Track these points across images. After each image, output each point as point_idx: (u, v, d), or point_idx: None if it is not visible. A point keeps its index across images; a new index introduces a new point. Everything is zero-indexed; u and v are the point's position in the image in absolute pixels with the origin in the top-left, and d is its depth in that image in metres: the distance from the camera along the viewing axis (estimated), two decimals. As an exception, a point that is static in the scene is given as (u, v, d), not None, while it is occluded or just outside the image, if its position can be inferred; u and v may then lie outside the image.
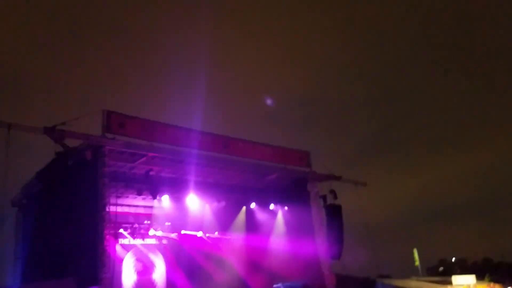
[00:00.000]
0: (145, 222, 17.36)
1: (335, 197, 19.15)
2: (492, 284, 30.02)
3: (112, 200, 14.05)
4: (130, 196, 16.00)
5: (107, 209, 13.41)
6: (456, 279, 28.55)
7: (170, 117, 15.46)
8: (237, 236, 19.63)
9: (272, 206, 19.96)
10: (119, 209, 15.11)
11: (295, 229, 18.92)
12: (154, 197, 15.81)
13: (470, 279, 30.04)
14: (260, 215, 20.00)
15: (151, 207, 16.90)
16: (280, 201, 19.82)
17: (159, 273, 16.95)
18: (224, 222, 19.36)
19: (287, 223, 19.57)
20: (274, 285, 19.55)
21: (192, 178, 16.90)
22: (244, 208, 20.04)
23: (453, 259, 51.06)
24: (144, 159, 15.22)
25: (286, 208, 19.84)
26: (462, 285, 27.61)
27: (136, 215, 17.18)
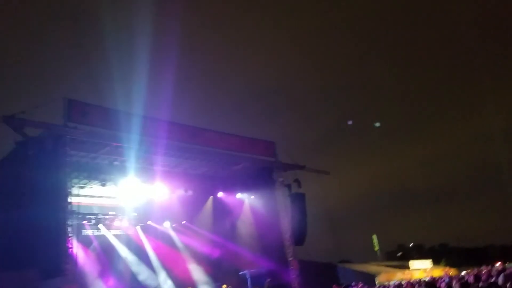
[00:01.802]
0: (110, 213, 17.12)
1: (299, 185, 19.63)
2: (447, 268, 31.81)
3: (75, 191, 13.80)
4: (94, 186, 15.68)
5: (69, 200, 13.18)
6: (413, 264, 30.15)
7: (137, 106, 15.21)
8: (204, 225, 19.73)
9: (239, 195, 20.22)
10: (83, 200, 14.83)
11: (261, 217, 19.29)
12: (119, 188, 15.60)
13: (427, 263, 31.80)
14: (227, 204, 20.21)
15: (115, 198, 16.67)
16: (246, 190, 20.11)
17: (124, 263, 16.85)
18: (192, 211, 19.41)
19: (253, 211, 19.90)
20: (240, 273, 19.92)
21: (158, 168, 16.82)
22: (211, 197, 20.16)
23: (411, 244, 53.46)
24: (107, 148, 14.96)
25: (252, 196, 20.19)
26: (419, 269, 29.14)
27: (101, 205, 16.88)
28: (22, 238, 12.23)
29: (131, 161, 15.09)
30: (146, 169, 16.29)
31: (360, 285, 15.59)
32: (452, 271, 27.90)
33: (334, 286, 17.62)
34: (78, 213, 14.64)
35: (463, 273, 19.74)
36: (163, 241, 18.70)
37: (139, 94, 15.58)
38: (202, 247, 19.50)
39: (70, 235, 12.88)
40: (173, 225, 19.58)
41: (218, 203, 20.15)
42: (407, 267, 29.48)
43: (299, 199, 19.42)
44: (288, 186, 19.53)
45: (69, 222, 12.98)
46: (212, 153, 17.31)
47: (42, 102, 13.87)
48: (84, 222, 16.22)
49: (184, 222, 19.79)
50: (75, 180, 13.82)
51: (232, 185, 19.81)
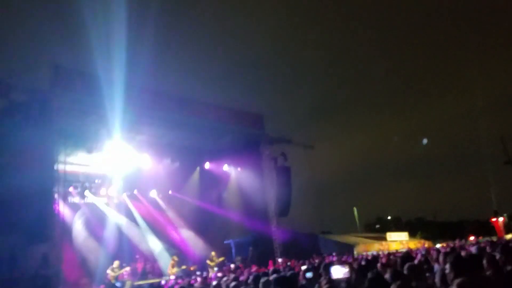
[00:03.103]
0: (96, 181, 17.15)
1: (285, 159, 19.98)
2: (423, 241, 33.14)
3: (61, 158, 13.73)
4: (81, 154, 15.61)
5: (55, 167, 13.16)
6: (391, 236, 31.33)
7: (121, 74, 15.00)
8: (190, 195, 19.98)
9: (225, 167, 20.44)
10: (69, 167, 14.79)
11: (247, 189, 19.63)
12: (105, 156, 15.58)
13: (403, 236, 33.06)
14: (214, 175, 20.42)
15: (102, 166, 16.66)
16: (233, 162, 20.33)
17: (110, 231, 17.03)
18: (178, 181, 19.58)
19: (239, 183, 20.21)
20: (225, 241, 20.45)
21: (145, 138, 16.79)
22: (198, 168, 20.32)
23: (389, 217, 55.18)
24: (94, 116, 14.82)
25: (239, 169, 20.43)
26: (395, 241, 30.31)
27: (87, 174, 16.87)
28: (8, 204, 12.23)
29: (117, 130, 14.99)
30: (133, 138, 16.23)
31: (339, 256, 16.20)
32: (427, 244, 29.13)
33: (314, 255, 18.34)
34: (65, 180, 14.63)
35: (438, 245, 20.68)
36: (149, 210, 18.91)
37: (122, 61, 15.31)
38: (188, 217, 19.81)
39: (56, 201, 12.93)
40: (160, 195, 19.75)
41: (205, 174, 20.35)
42: (384, 238, 30.63)
43: (284, 172, 19.81)
44: (275, 159, 19.86)
45: (56, 189, 13.00)
46: (200, 125, 17.30)
47: (28, 67, 13.61)
48: (71, 189, 16.23)
49: (171, 192, 19.99)
50: (61, 147, 13.70)
51: (219, 157, 19.98)
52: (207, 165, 20.26)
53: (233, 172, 20.56)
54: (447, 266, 3.64)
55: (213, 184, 20.55)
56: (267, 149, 19.82)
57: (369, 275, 4.01)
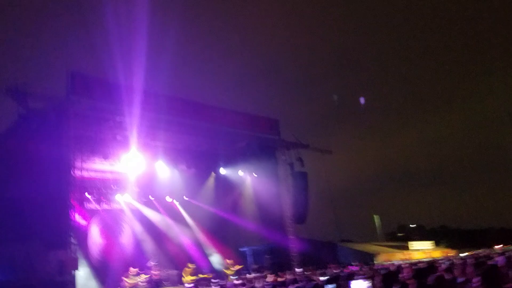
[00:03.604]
0: (112, 187, 17.16)
1: (302, 164, 19.61)
2: (447, 250, 32.00)
3: (78, 164, 13.78)
4: (97, 160, 15.67)
5: (72, 174, 13.18)
6: (413, 245, 30.27)
7: (138, 81, 15.01)
8: (205, 201, 19.80)
9: (241, 173, 20.19)
10: (86, 174, 14.83)
11: (263, 195, 19.31)
12: (121, 162, 15.58)
13: (427, 245, 31.93)
14: (229, 181, 20.21)
15: (118, 172, 16.67)
16: (249, 168, 20.07)
17: (126, 237, 17.02)
18: (193, 187, 19.45)
19: (255, 189, 19.91)
20: (240, 249, 20.13)
21: (161, 144, 16.76)
22: (213, 174, 20.15)
23: (412, 225, 53.69)
24: (110, 122, 14.84)
25: (254, 174, 20.16)
26: (419, 250, 29.32)
27: (103, 180, 16.91)
28: (26, 210, 12.31)
29: (134, 136, 15.00)
30: (149, 144, 16.23)
31: (359, 266, 15.68)
32: (452, 253, 28.06)
33: (332, 265, 17.83)
34: (81, 186, 14.68)
35: (462, 255, 19.86)
36: (165, 217, 18.81)
37: (140, 68, 15.39)
38: (203, 224, 19.63)
39: (72, 207, 12.94)
40: (175, 200, 19.65)
41: (220, 180, 20.16)
42: (407, 248, 29.67)
43: (301, 178, 19.41)
44: (291, 165, 19.50)
45: (72, 195, 13.02)
46: (215, 130, 17.18)
47: (45, 74, 13.74)
48: (87, 195, 16.27)
49: (186, 197, 19.86)
50: (78, 154, 13.75)
51: (234, 163, 19.78)
52: (222, 171, 20.06)
53: (248, 177, 20.28)
54: (477, 279, 3.31)
55: (228, 190, 20.32)
56: (283, 154, 19.53)
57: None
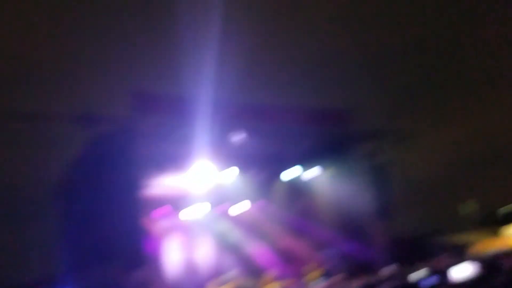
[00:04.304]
0: (184, 200, 17.23)
1: (382, 155, 18.19)
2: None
3: (149, 181, 13.95)
4: (168, 175, 15.80)
5: (144, 190, 13.33)
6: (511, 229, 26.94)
7: (203, 91, 14.80)
8: (279, 205, 19.18)
9: (315, 171, 19.13)
10: (157, 189, 14.99)
11: (341, 193, 18.18)
12: (191, 174, 15.56)
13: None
14: (301, 182, 19.33)
15: (188, 184, 16.69)
16: (323, 165, 18.99)
17: (204, 250, 17.06)
18: (265, 191, 18.93)
19: (331, 187, 18.80)
20: (320, 253, 19.04)
21: (228, 152, 16.42)
22: (284, 176, 19.39)
23: (508, 209, 48.27)
24: (177, 136, 14.86)
25: (329, 171, 19.00)
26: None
27: (174, 193, 17.06)
28: (104, 233, 12.65)
29: (201, 147, 14.88)
30: (216, 153, 15.99)
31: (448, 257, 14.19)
32: None
33: (425, 259, 16.15)
34: (155, 203, 14.86)
35: None
36: (240, 223, 18.55)
37: (204, 78, 15.25)
38: (279, 229, 19.02)
39: (147, 226, 13.04)
40: (248, 207, 19.28)
41: (292, 181, 19.34)
42: (503, 234, 26.54)
43: (382, 170, 18.08)
44: (369, 156, 18.16)
45: (146, 214, 13.13)
46: (283, 130, 16.49)
47: (110, 96, 14.03)
48: (160, 211, 16.49)
49: (258, 203, 19.37)
50: (147, 171, 13.87)
51: (306, 161, 18.82)
52: (295, 172, 19.14)
53: (322, 176, 19.16)
54: None
55: (302, 191, 19.41)
56: (359, 146, 18.21)
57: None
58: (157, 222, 15.89)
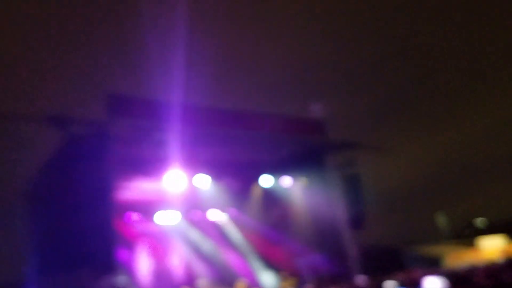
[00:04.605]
0: (156, 205, 17.07)
1: (354, 165, 18.55)
2: (525, 244, 29.02)
3: (121, 185, 13.78)
4: (140, 180, 15.65)
5: (116, 195, 13.14)
6: (484, 242, 27.72)
7: (176, 96, 14.82)
8: (252, 213, 19.23)
9: (288, 180, 19.34)
10: (130, 194, 14.81)
11: (314, 202, 18.40)
12: (164, 180, 15.45)
13: (499, 240, 29.14)
14: (276, 190, 19.45)
15: (162, 190, 16.56)
16: (296, 174, 19.19)
17: (174, 257, 16.89)
18: (239, 200, 18.95)
19: (304, 196, 19.01)
20: (295, 261, 19.17)
21: (203, 158, 16.41)
22: (258, 183, 19.48)
23: (482, 220, 49.69)
24: (151, 141, 14.77)
25: (302, 180, 19.21)
26: (491, 248, 26.78)
27: (147, 199, 16.88)
28: (74, 238, 12.37)
29: (175, 152, 14.85)
30: (190, 159, 15.94)
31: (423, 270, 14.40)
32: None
33: (397, 270, 16.44)
34: (126, 207, 14.66)
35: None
36: (212, 231, 18.50)
37: (177, 82, 15.29)
38: (251, 236, 19.06)
39: (119, 230, 12.84)
40: (221, 215, 19.26)
41: (266, 189, 19.43)
42: (477, 246, 27.28)
43: (354, 180, 18.39)
44: (342, 167, 18.48)
45: (117, 218, 12.94)
46: (257, 138, 16.64)
47: (84, 98, 13.89)
48: (132, 216, 16.29)
49: (231, 210, 19.39)
50: (120, 175, 13.72)
51: (280, 170, 18.97)
52: (268, 180, 19.29)
53: (296, 185, 19.36)
54: None
55: (276, 199, 19.54)
56: (332, 157, 18.52)
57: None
58: (129, 227, 15.65)
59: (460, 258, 23.39)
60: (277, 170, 18.89)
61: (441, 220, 30.66)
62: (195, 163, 15.91)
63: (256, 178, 19.22)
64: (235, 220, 19.26)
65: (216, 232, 18.61)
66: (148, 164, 14.91)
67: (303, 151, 18.48)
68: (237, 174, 17.66)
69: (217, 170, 16.88)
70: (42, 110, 12.89)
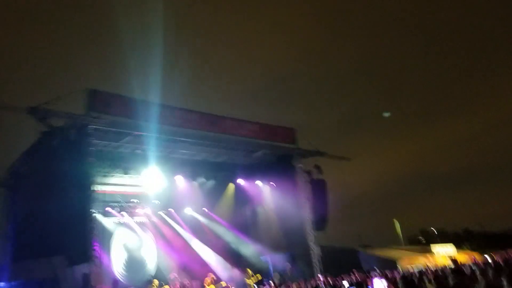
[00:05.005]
0: (133, 200, 17.44)
1: (320, 172, 19.52)
2: (471, 252, 31.09)
3: (99, 179, 14.02)
4: (117, 175, 15.99)
5: (93, 188, 13.41)
6: (436, 248, 29.55)
7: (155, 96, 15.30)
8: (224, 212, 19.91)
9: (259, 182, 20.24)
10: (107, 188, 15.12)
11: (282, 204, 19.32)
12: (141, 176, 15.86)
13: (449, 248, 31.14)
14: (247, 191, 20.27)
15: (138, 186, 16.96)
16: (267, 177, 20.12)
17: (148, 249, 17.21)
18: (213, 199, 19.62)
19: (273, 198, 19.93)
20: (261, 257, 20.06)
21: (179, 156, 16.99)
22: (231, 184, 20.26)
23: (434, 229, 52.47)
24: (129, 137, 15.15)
25: (272, 183, 20.19)
26: (441, 253, 28.59)
27: (124, 194, 17.22)
28: (50, 226, 12.59)
29: (152, 150, 15.28)
30: (167, 157, 16.47)
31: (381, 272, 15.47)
32: (476, 256, 27.25)
33: (354, 270, 17.62)
34: (102, 201, 14.94)
35: (487, 256, 19.35)
36: (186, 228, 18.99)
37: (157, 82, 15.73)
38: (223, 235, 19.72)
39: (94, 222, 13.14)
40: (195, 213, 19.83)
41: (238, 190, 20.24)
42: (429, 251, 29.05)
43: (319, 186, 19.35)
44: (309, 173, 19.47)
45: (94, 210, 13.23)
46: (232, 141, 17.36)
47: (65, 92, 14.06)
48: (108, 209, 16.56)
49: (205, 209, 20.01)
50: (98, 169, 14.03)
51: (252, 173, 19.85)
52: (240, 181, 20.14)
53: (266, 187, 20.32)
54: (504, 282, 3.29)
55: (247, 200, 20.40)
56: (300, 163, 19.52)
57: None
58: (104, 220, 15.93)
59: (414, 261, 24.90)
60: (249, 172, 19.79)
61: (397, 226, 32.40)
62: (172, 162, 16.46)
63: (229, 179, 20.02)
64: (207, 218, 19.89)
65: (189, 228, 19.11)
66: (126, 160, 15.30)
67: (274, 156, 19.39)
68: (212, 174, 18.34)
69: (194, 169, 17.53)
70: (22, 101, 13.01)
